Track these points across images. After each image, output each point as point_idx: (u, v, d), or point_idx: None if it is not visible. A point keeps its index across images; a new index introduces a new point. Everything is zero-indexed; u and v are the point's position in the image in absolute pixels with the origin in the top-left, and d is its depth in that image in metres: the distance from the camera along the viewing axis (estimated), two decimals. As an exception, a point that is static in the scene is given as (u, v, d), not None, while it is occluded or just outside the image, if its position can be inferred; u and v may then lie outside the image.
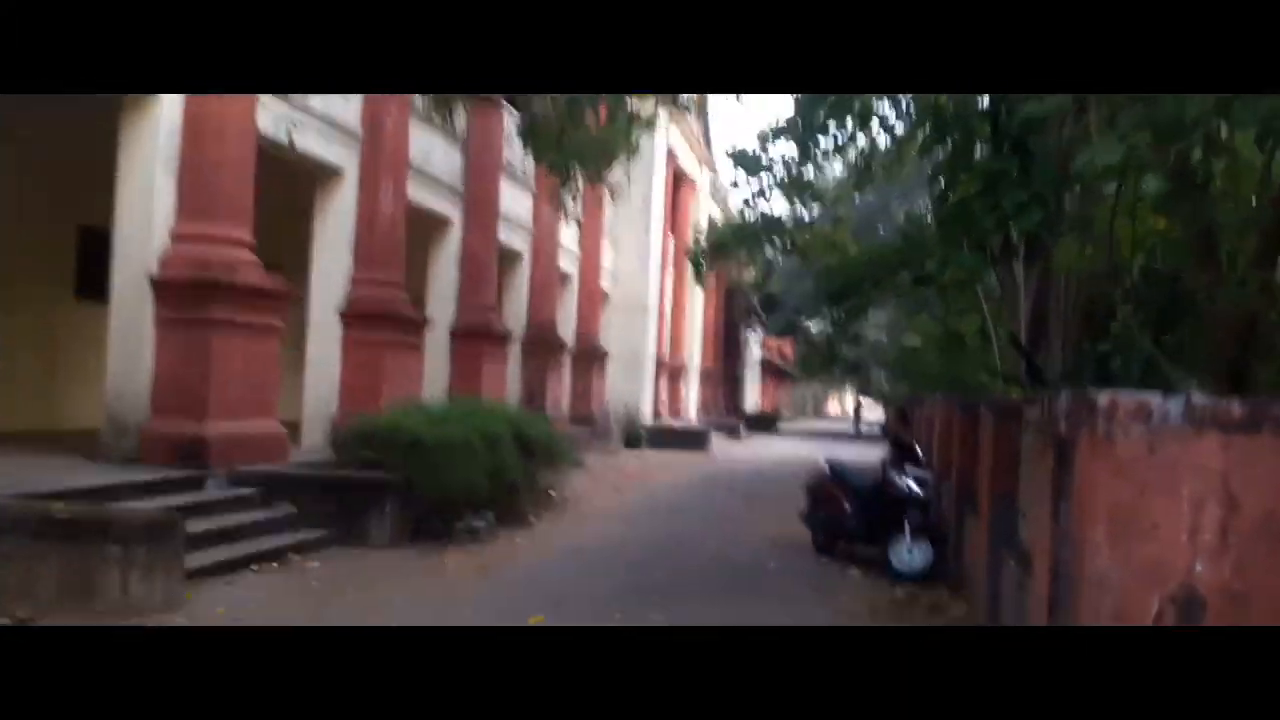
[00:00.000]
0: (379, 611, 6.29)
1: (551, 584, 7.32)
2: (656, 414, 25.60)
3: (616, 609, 6.49)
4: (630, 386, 23.69)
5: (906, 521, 8.13)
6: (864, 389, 44.17)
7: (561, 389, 18.49)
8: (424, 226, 13.95)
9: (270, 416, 9.60)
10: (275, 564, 7.62)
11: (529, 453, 10.77)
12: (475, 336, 14.36)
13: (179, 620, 5.76)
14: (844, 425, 53.57)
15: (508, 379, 16.95)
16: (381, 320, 11.51)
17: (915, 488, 8.25)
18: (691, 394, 31.88)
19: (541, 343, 17.43)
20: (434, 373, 14.30)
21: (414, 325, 12.22)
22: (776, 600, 7.09)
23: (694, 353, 32.36)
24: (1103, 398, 3.52)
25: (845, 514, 8.84)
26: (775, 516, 11.58)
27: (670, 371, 28.08)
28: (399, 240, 11.94)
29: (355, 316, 11.46)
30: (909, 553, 8.08)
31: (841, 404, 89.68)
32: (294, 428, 11.56)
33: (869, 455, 26.31)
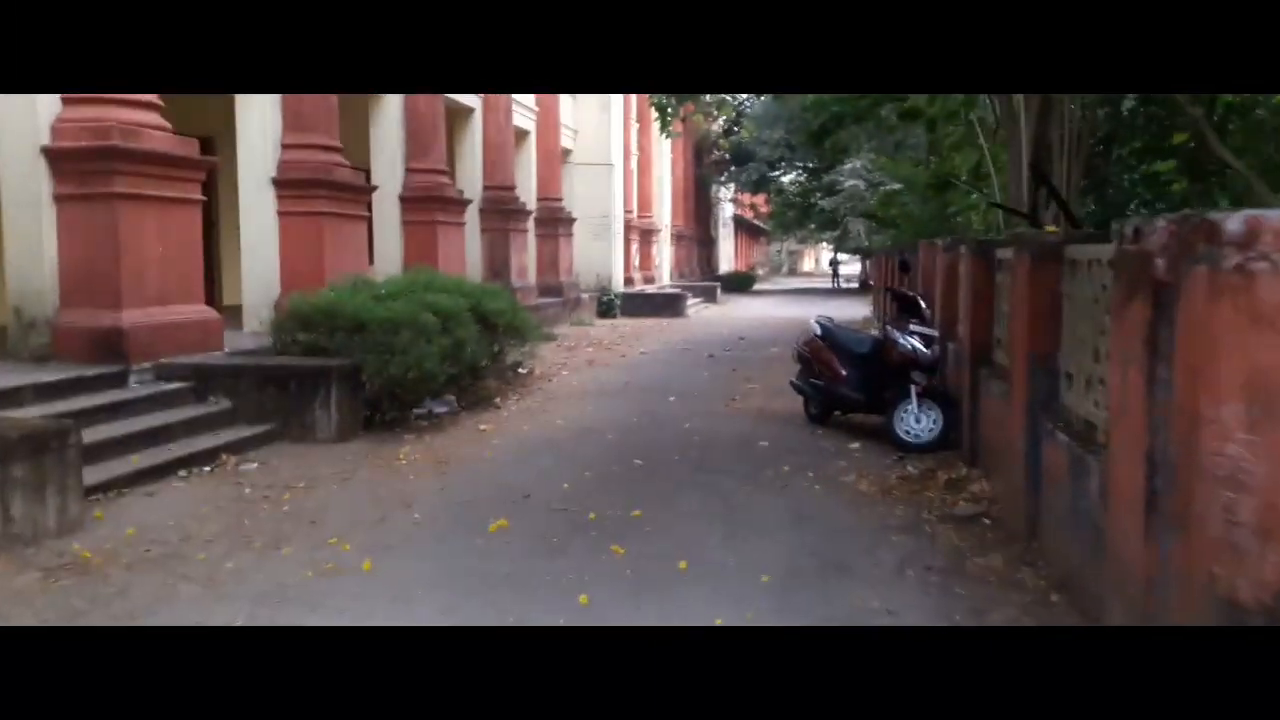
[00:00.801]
0: (317, 520, 5.44)
1: (517, 477, 6.48)
2: (629, 280, 24.60)
3: (590, 507, 5.66)
4: (600, 252, 22.57)
5: (913, 386, 7.30)
6: (841, 242, 43.09)
7: (526, 258, 17.37)
8: (360, 82, 12.52)
9: (197, 301, 8.54)
10: (208, 468, 6.74)
11: (491, 328, 9.82)
12: (426, 203, 13.16)
13: (76, 544, 4.88)
14: (821, 282, 52.89)
15: (466, 249, 15.85)
16: (319, 188, 10.30)
17: (921, 347, 7.38)
18: (664, 257, 30.80)
19: (501, 208, 16.21)
20: (385, 246, 13.23)
21: (356, 192, 11.01)
22: (773, 486, 6.28)
23: (665, 213, 31.09)
24: (1232, 220, 2.58)
25: (841, 380, 8.00)
26: (762, 385, 10.79)
27: (641, 234, 26.91)
28: (331, 99, 10.61)
29: (289, 185, 10.25)
30: (916, 420, 7.28)
31: (816, 260, 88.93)
32: (237, 312, 10.58)
33: (850, 311, 25.64)
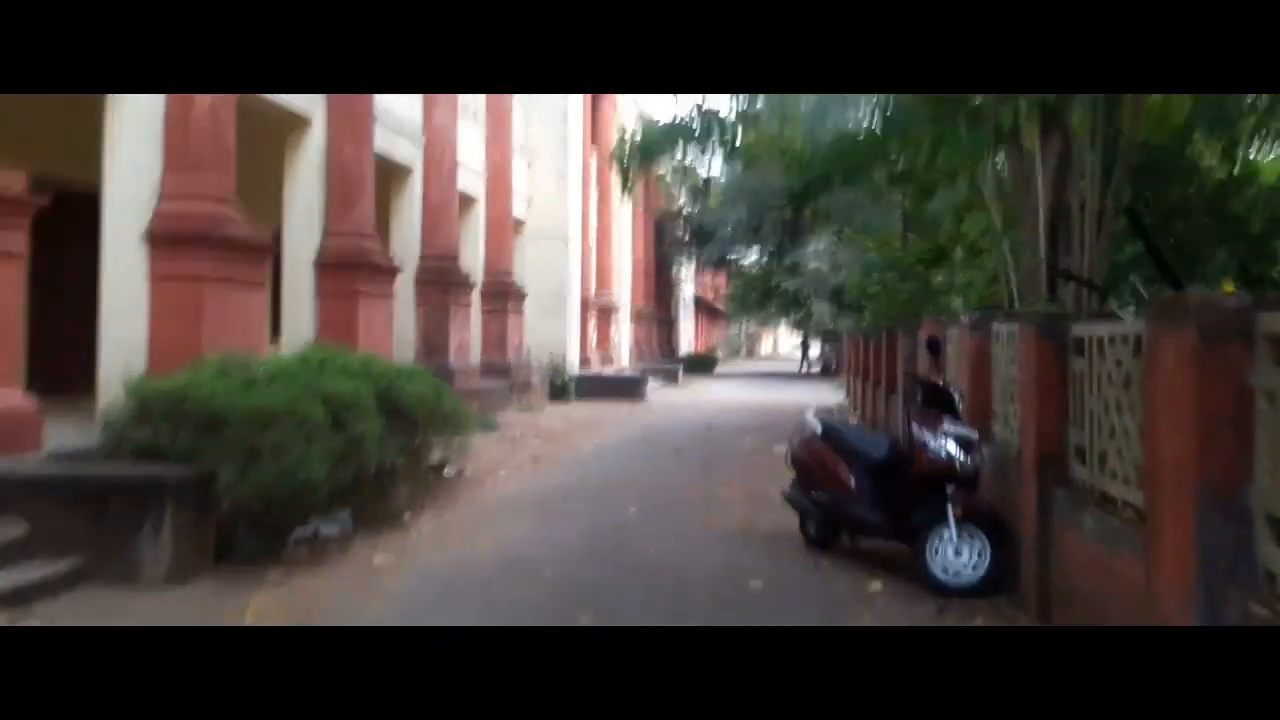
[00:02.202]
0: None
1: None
2: (585, 360, 22.79)
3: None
4: (553, 329, 20.76)
5: (949, 505, 5.49)
6: (801, 324, 41.70)
7: (469, 335, 15.45)
8: (270, 125, 10.80)
9: (7, 384, 6.53)
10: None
11: (408, 421, 7.92)
12: (348, 269, 11.29)
13: None
14: (780, 365, 51.51)
15: (395, 324, 13.95)
16: (203, 246, 8.41)
17: (959, 454, 5.59)
18: (623, 336, 29.09)
19: (440, 278, 14.37)
20: (296, 320, 11.29)
21: (253, 253, 9.10)
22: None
23: (624, 290, 29.48)
24: None
25: (851, 494, 6.16)
26: (742, 488, 8.92)
27: (599, 311, 25.19)
28: (226, 139, 8.79)
29: (166, 241, 8.36)
30: (956, 553, 5.44)
31: (774, 343, 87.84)
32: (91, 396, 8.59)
33: (821, 396, 23.96)
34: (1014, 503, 5.49)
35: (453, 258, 14.82)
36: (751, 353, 78.67)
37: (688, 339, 49.12)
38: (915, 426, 5.80)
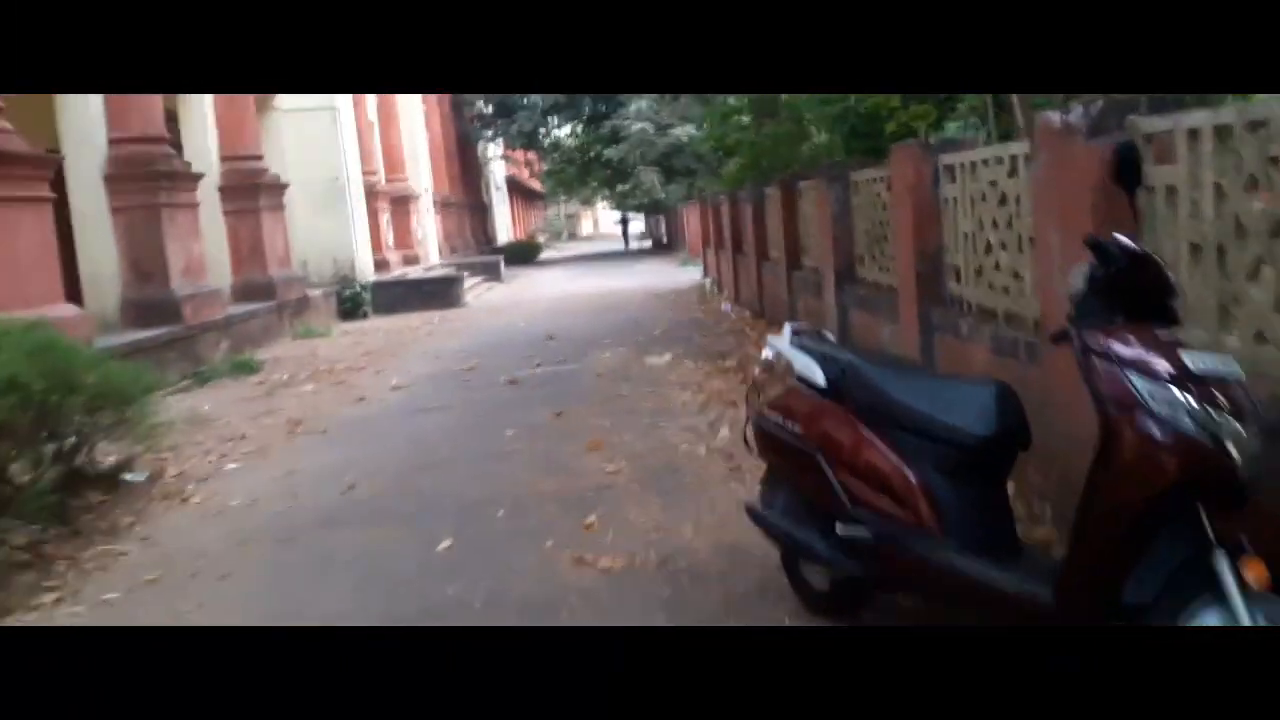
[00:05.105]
0: None
1: None
2: (382, 263, 18.56)
3: None
4: (333, 229, 16.36)
5: (1217, 552, 2.22)
6: (629, 198, 38.29)
7: (199, 246, 11.03)
8: None
9: None
10: None
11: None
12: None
13: None
14: (609, 245, 48.20)
15: (84, 241, 9.67)
16: None
17: (1226, 423, 2.27)
18: (429, 230, 24.74)
19: (144, 170, 9.92)
20: None
21: None
22: None
23: (423, 175, 24.94)
24: None
25: (924, 521, 2.80)
26: (628, 455, 5.46)
27: (392, 202, 20.76)
28: None
29: None
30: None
31: (595, 223, 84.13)
32: None
33: (665, 277, 20.71)
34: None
35: (158, 139, 10.34)
36: (574, 235, 74.95)
37: (505, 226, 44.85)
38: (1100, 359, 2.42)
